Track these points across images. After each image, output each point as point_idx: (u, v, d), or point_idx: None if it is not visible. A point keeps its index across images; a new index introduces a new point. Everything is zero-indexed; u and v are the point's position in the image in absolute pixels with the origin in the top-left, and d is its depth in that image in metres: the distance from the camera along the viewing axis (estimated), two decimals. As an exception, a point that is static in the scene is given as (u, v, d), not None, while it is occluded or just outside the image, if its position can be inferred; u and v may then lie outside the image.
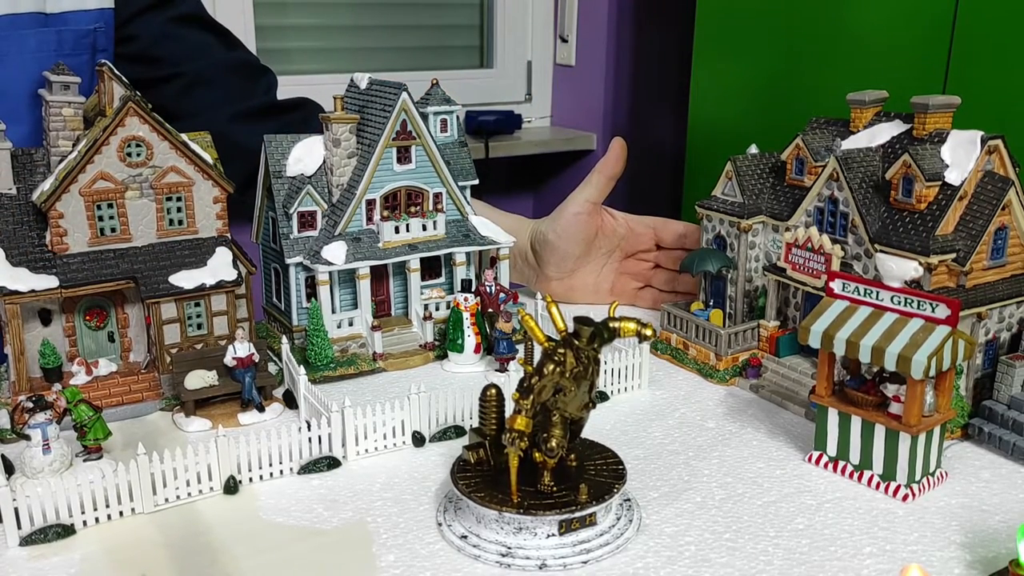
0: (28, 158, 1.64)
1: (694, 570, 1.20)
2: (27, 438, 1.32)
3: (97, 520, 1.29)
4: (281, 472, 1.43)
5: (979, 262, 1.54)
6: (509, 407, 1.29)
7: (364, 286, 1.87)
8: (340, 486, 1.41)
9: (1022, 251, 1.59)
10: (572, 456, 1.30)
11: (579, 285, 2.22)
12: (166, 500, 1.34)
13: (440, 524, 1.29)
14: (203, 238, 1.71)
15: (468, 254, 1.99)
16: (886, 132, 1.71)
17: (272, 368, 1.75)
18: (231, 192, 1.72)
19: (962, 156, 1.55)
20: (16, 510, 1.24)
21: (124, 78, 1.60)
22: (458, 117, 2.12)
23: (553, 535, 1.22)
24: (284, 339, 1.76)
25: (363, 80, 1.98)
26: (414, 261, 1.92)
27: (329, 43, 4.18)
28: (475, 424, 1.38)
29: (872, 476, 1.40)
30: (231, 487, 1.37)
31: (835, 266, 1.63)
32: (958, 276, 1.53)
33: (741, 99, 3.40)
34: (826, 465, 1.46)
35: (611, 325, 1.25)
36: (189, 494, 1.35)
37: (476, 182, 2.10)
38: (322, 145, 1.91)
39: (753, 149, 1.91)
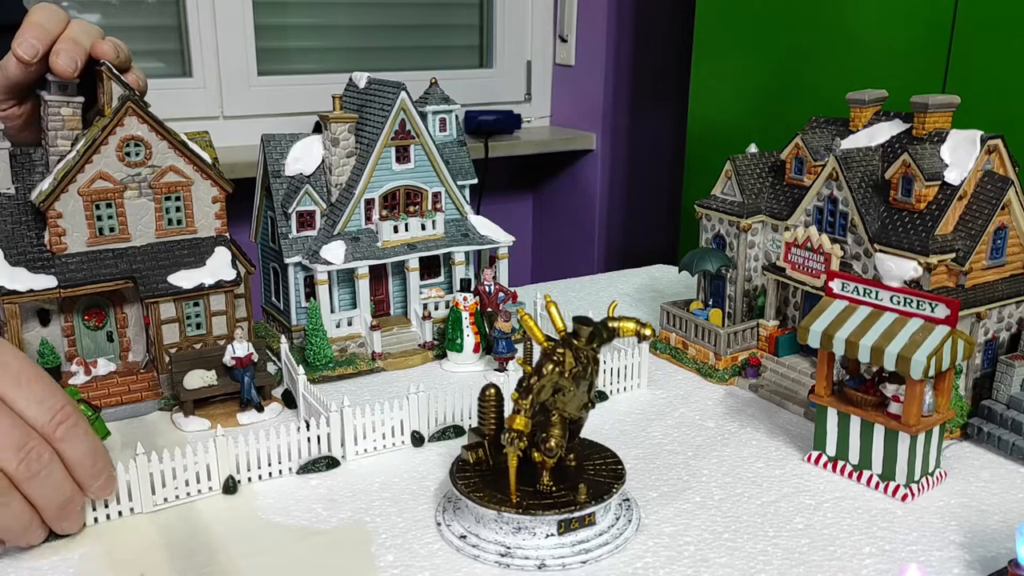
0: (27, 157, 1.64)
1: (693, 570, 1.20)
2: (26, 438, 1.32)
3: (96, 520, 1.28)
4: (280, 472, 1.43)
5: (978, 262, 1.54)
6: (508, 407, 1.29)
7: (363, 286, 1.87)
8: (339, 486, 1.41)
9: (1021, 251, 1.59)
10: (571, 456, 1.30)
11: None
12: (165, 500, 1.33)
13: (439, 524, 1.29)
14: (202, 238, 1.71)
15: (467, 253, 1.99)
16: (885, 131, 1.70)
17: (271, 368, 1.75)
18: (231, 192, 1.72)
19: (962, 156, 1.55)
20: (14, 510, 1.24)
21: (123, 78, 1.59)
22: (457, 116, 2.12)
23: (552, 535, 1.21)
24: (283, 339, 1.76)
25: (362, 79, 1.98)
26: (413, 260, 1.92)
27: (329, 43, 4.18)
28: (474, 424, 1.38)
29: (871, 476, 1.40)
30: (230, 487, 1.37)
31: (834, 266, 1.63)
32: (957, 276, 1.53)
33: (740, 98, 3.40)
34: (825, 465, 1.46)
35: (610, 325, 1.25)
36: (188, 494, 1.35)
37: (475, 181, 2.10)
38: (321, 144, 1.91)
39: (752, 148, 1.90)
